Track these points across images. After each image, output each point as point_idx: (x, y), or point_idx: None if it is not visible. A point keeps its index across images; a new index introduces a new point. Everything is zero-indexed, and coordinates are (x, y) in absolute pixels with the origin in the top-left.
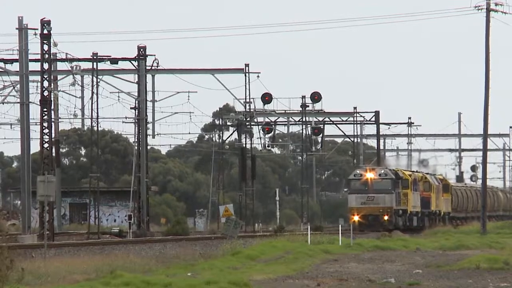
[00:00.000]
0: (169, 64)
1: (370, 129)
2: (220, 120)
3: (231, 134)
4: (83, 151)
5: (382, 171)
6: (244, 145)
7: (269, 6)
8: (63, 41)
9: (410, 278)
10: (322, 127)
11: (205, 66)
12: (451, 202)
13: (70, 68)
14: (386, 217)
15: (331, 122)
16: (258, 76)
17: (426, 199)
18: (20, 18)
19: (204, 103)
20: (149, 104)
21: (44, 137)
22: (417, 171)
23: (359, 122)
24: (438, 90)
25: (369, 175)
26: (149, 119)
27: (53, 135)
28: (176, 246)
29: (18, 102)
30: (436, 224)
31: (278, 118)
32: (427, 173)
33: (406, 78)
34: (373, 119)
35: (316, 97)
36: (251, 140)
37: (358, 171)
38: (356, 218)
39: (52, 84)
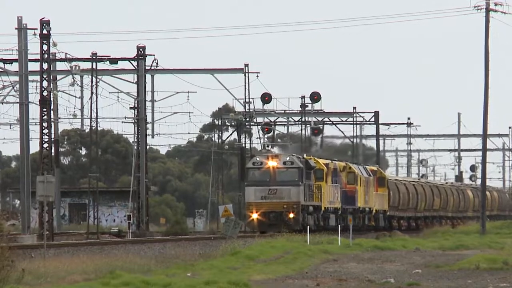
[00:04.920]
0: (169, 64)
1: (370, 130)
2: (220, 120)
3: (231, 134)
4: (83, 151)
5: (288, 158)
6: (243, 145)
7: (269, 6)
8: (62, 41)
9: (409, 278)
10: (321, 127)
11: (204, 66)
12: (388, 198)
13: (69, 68)
14: (291, 215)
15: (331, 122)
16: (257, 76)
17: (350, 193)
18: (20, 18)
19: (203, 103)
20: (149, 104)
21: (43, 137)
22: (338, 160)
23: (358, 122)
24: (438, 90)
25: (271, 163)
26: (149, 119)
27: (52, 135)
28: (176, 246)
29: (17, 102)
30: (364, 224)
31: (278, 118)
32: (354, 163)
33: (406, 78)
34: (373, 119)
35: (315, 97)
36: (250, 140)
37: (257, 158)
38: (255, 216)
39: (51, 84)
